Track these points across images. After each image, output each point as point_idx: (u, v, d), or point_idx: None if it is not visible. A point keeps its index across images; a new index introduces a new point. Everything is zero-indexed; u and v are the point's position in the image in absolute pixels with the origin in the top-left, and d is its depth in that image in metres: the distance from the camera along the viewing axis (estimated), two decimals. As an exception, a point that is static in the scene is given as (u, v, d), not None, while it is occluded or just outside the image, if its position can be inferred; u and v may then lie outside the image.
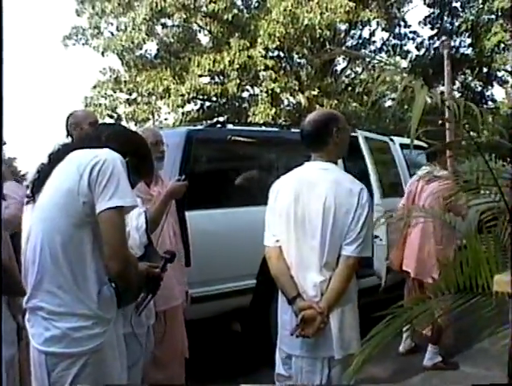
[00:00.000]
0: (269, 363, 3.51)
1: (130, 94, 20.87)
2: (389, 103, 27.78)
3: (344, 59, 22.98)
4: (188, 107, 20.67)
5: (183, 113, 20.80)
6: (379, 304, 6.41)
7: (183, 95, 18.25)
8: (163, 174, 4.48)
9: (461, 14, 23.84)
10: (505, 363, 2.86)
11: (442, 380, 5.34)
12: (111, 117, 20.29)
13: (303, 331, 3.06)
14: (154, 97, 20.33)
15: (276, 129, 7.28)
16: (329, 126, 3.26)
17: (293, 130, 6.47)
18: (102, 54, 19.18)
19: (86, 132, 4.06)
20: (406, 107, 26.62)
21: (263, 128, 7.56)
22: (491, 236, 2.90)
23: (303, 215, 3.15)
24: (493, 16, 21.92)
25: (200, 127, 6.04)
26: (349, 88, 22.56)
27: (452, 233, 5.45)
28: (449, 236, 5.48)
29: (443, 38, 22.02)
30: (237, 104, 21.10)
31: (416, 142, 7.54)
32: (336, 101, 19.26)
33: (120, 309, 2.65)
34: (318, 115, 3.39)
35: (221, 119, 19.08)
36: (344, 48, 21.13)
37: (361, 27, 21.89)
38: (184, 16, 18.49)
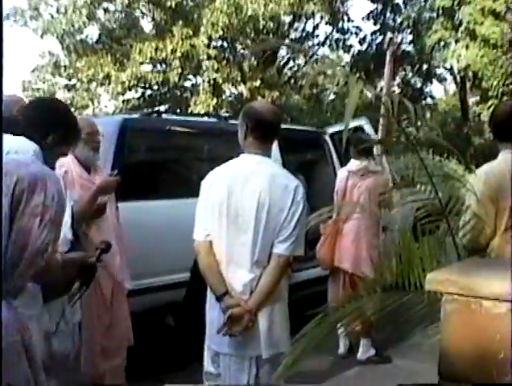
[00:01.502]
0: (201, 359, 3.43)
1: (70, 80, 20.39)
2: (331, 97, 28.07)
3: (287, 51, 23.02)
4: (129, 95, 20.28)
5: (123, 101, 20.42)
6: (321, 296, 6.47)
7: (123, 82, 17.88)
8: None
9: (403, 11, 24.19)
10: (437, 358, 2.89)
11: (375, 374, 5.38)
12: (49, 102, 19.71)
13: (230, 329, 3.02)
14: (94, 84, 19.92)
15: (215, 120, 7.15)
16: (280, 120, 3.38)
17: (232, 122, 6.40)
18: (41, 36, 18.59)
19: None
20: (346, 101, 26.96)
21: (202, 118, 7.46)
22: (425, 234, 2.88)
23: (235, 210, 3.06)
24: (434, 14, 22.30)
25: (135, 116, 5.92)
26: (292, 81, 22.59)
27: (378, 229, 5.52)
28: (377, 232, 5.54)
29: (389, 35, 22.33)
30: (178, 93, 20.85)
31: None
32: (278, 93, 19.21)
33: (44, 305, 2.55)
34: (273, 107, 3.47)
35: (162, 108, 18.94)
36: (287, 41, 21.16)
37: (304, 20, 21.86)
38: (127, 1, 18.17)
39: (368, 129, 7.35)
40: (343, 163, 6.90)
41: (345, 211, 5.21)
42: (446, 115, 30.10)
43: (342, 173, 6.09)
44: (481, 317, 1.77)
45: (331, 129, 8.01)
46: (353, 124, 7.38)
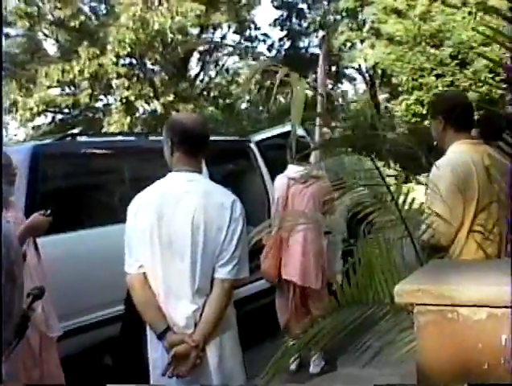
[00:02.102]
0: None
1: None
2: (244, 105, 28.12)
3: (197, 63, 22.92)
4: (39, 120, 19.73)
5: (33, 128, 19.83)
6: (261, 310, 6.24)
7: (31, 108, 17.33)
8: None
9: (308, 16, 24.51)
10: (396, 363, 2.76)
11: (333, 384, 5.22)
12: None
13: (176, 370, 2.67)
14: (0, 112, 19.19)
15: (133, 138, 6.77)
16: (208, 132, 3.01)
17: (152, 138, 6.10)
18: None
19: None
20: (261, 108, 27.11)
21: (119, 137, 7.06)
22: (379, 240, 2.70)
23: (168, 235, 2.73)
24: (338, 16, 22.68)
25: (48, 141, 5.50)
26: (205, 93, 22.46)
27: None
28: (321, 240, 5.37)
29: (322, 33, 22.60)
30: (90, 114, 20.40)
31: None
32: (192, 106, 19.03)
33: None
34: (199, 117, 3.13)
35: (75, 131, 18.38)
36: (196, 52, 21.04)
37: (212, 31, 21.79)
38: (28, 24, 17.60)
39: (302, 133, 7.05)
40: (272, 172, 6.67)
41: (289, 220, 4.85)
42: (358, 113, 30.68)
43: (281, 180, 5.64)
44: (459, 326, 1.62)
45: (256, 137, 7.61)
46: (284, 129, 7.17)
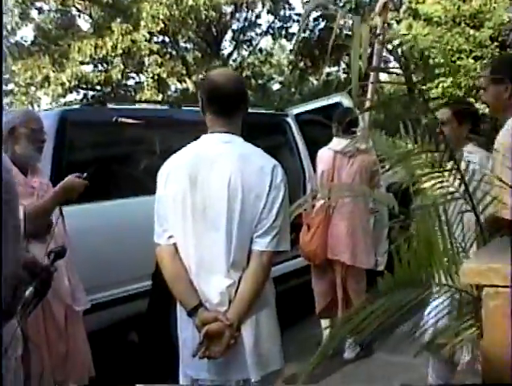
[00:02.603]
0: (172, 377, 2.88)
1: (6, 85, 19.64)
2: (276, 86, 27.86)
3: (230, 42, 22.68)
4: (71, 97, 19.63)
5: (65, 103, 19.74)
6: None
7: (63, 83, 17.24)
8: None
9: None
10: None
11: (368, 370, 5.01)
12: (-14, 109, 19.00)
13: (208, 351, 2.43)
14: (33, 87, 19.22)
15: (166, 108, 6.39)
16: (245, 89, 2.73)
17: (185, 108, 5.88)
18: (-28, 41, 17.78)
19: None
20: (293, 90, 26.82)
21: (151, 106, 6.81)
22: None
23: (202, 203, 2.49)
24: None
25: (76, 107, 5.31)
26: (237, 72, 22.22)
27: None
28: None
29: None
30: (122, 92, 20.28)
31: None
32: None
33: None
34: (235, 74, 2.81)
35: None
36: (230, 30, 20.78)
37: (246, 9, 21.48)
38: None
39: (348, 105, 6.73)
40: (311, 148, 6.40)
41: (336, 195, 4.54)
42: (392, 96, 30.19)
43: (326, 153, 5.35)
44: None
45: (295, 110, 7.25)
46: (331, 100, 6.91)
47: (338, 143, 5.17)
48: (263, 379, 2.50)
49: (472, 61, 16.41)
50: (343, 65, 25.32)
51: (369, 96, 7.31)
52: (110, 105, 5.33)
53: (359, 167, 5.13)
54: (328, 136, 5.44)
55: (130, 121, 5.01)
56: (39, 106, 20.12)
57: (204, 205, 2.48)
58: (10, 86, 19.73)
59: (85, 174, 3.44)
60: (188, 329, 2.57)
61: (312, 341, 4.88)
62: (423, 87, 23.83)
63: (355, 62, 1.95)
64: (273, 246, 2.49)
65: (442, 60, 17.15)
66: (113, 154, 5.15)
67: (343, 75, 24.90)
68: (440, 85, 17.70)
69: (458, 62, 16.72)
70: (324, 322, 5.33)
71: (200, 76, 18.01)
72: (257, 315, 2.54)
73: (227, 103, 2.58)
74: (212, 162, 2.50)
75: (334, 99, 7.00)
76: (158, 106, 7.10)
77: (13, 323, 2.21)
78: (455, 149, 3.53)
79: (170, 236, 2.56)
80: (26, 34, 19.53)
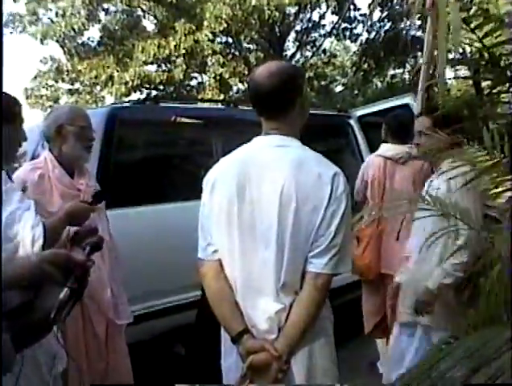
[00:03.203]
0: None
1: (73, 84, 20.05)
2: (339, 88, 27.54)
3: (293, 43, 22.49)
4: (134, 96, 19.77)
5: (129, 102, 19.92)
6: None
7: (127, 82, 17.34)
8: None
9: (411, -4, 23.59)
10: None
11: None
12: (53, 108, 19.42)
13: (253, 383, 2.13)
14: (97, 87, 19.48)
15: (222, 107, 6.14)
16: (298, 82, 2.33)
17: (243, 108, 5.68)
18: (41, 41, 18.10)
19: None
20: (356, 92, 26.43)
21: (206, 105, 6.59)
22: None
23: (250, 215, 2.21)
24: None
25: (126, 104, 5.16)
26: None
27: None
28: None
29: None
30: (184, 92, 20.34)
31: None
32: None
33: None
34: (281, 67, 2.33)
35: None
36: (293, 31, 20.59)
37: (310, 10, 21.22)
38: (126, 0, 17.63)
39: (415, 106, 6.37)
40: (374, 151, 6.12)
41: (392, 203, 4.21)
42: (459, 100, 29.50)
43: (376, 159, 5.04)
44: None
45: (358, 112, 6.92)
46: (397, 101, 6.54)
47: (387, 149, 4.90)
48: None
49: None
50: (408, 67, 24.85)
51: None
52: (163, 104, 5.17)
53: (412, 175, 4.82)
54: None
55: (183, 120, 4.87)
56: (103, 105, 20.43)
57: (253, 218, 2.21)
58: (77, 85, 20.07)
59: (91, 200, 3.13)
60: (232, 356, 2.31)
61: (364, 361, 4.65)
62: (494, 90, 23.22)
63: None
64: (331, 268, 2.18)
65: (512, 62, 16.57)
66: (164, 154, 4.99)
67: (408, 78, 24.43)
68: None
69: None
70: (379, 342, 5.04)
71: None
72: (310, 346, 2.24)
73: (270, 102, 2.28)
74: (263, 169, 2.23)
75: (402, 100, 6.58)
76: (213, 105, 6.92)
77: (48, 338, 2.05)
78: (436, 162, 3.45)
79: (214, 251, 2.33)
80: (93, 34, 19.68)
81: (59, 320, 2.00)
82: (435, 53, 4.81)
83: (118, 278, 3.44)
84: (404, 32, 24.70)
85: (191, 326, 4.65)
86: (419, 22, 23.76)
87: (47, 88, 19.88)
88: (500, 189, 2.58)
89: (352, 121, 6.66)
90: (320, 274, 2.18)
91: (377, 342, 5.07)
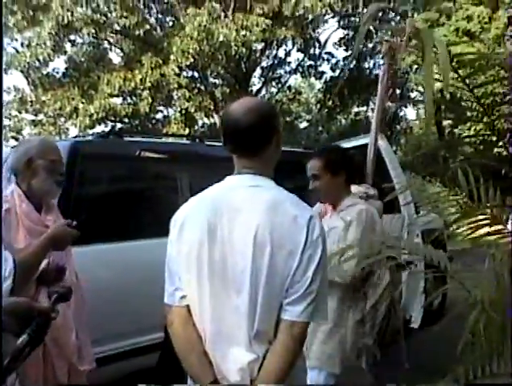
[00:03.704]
0: None
1: (36, 115, 19.84)
2: (304, 124, 27.82)
3: (259, 79, 22.70)
4: (99, 128, 19.64)
5: (92, 134, 19.76)
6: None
7: (91, 115, 17.22)
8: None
9: (375, 36, 24.04)
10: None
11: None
12: (16, 139, 19.20)
13: None
14: (62, 118, 19.33)
15: (187, 142, 6.04)
16: (275, 120, 2.23)
17: (208, 143, 5.65)
18: (5, 71, 17.93)
19: None
20: (320, 128, 26.71)
21: (170, 140, 6.51)
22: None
23: (221, 259, 2.08)
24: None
25: (89, 138, 5.05)
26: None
27: None
28: None
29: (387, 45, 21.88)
30: (150, 125, 20.32)
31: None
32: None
33: None
34: (258, 103, 2.25)
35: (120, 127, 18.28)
36: (259, 67, 20.76)
37: (276, 47, 21.49)
38: (93, 31, 17.64)
39: (384, 146, 6.27)
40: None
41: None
42: (420, 138, 29.97)
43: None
44: None
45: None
46: (363, 140, 6.52)
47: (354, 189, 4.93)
48: None
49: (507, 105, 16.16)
50: (372, 105, 25.23)
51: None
52: (126, 138, 5.07)
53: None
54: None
55: (147, 154, 4.80)
56: (66, 137, 20.25)
57: (225, 262, 2.07)
58: (40, 116, 19.90)
59: (75, 223, 3.00)
60: None
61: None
62: (455, 130, 23.67)
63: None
64: (307, 316, 2.05)
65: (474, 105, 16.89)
66: (126, 190, 4.84)
67: (372, 115, 24.80)
68: (473, 128, 17.45)
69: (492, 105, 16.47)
70: None
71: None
72: None
73: (247, 139, 2.15)
74: (236, 211, 2.09)
75: (367, 139, 6.61)
76: (179, 140, 6.85)
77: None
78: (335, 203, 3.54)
79: (182, 297, 2.16)
80: (58, 65, 19.58)
81: (16, 367, 1.93)
82: (390, 92, 4.92)
83: (83, 319, 3.30)
84: (368, 71, 25.20)
85: (153, 369, 4.49)
86: (381, 61, 24.33)
87: (10, 119, 19.66)
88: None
89: None
90: (296, 322, 2.04)
91: None
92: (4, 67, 17.74)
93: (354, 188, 4.87)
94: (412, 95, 26.28)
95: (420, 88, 24.87)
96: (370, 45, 24.13)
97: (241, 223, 2.06)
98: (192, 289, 2.12)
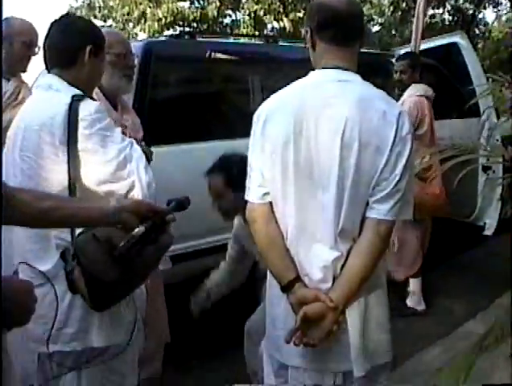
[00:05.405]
0: None
1: (105, 20, 19.70)
2: (376, 28, 26.90)
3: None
4: (167, 33, 19.47)
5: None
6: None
7: (160, 19, 17.03)
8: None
9: None
10: None
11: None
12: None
13: (305, 338, 1.94)
14: (130, 24, 19.17)
15: (262, 43, 5.76)
16: (363, 17, 2.20)
17: (284, 44, 5.47)
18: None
19: None
20: (393, 32, 25.77)
21: (244, 40, 6.31)
22: None
23: (308, 155, 1.99)
24: None
25: (163, 39, 4.93)
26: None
27: None
28: None
29: None
30: (218, 30, 19.96)
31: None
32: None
33: None
34: None
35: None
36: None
37: None
38: None
39: (465, 45, 6.00)
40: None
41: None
42: (499, 43, 28.58)
43: (419, 99, 4.91)
44: None
45: (402, 51, 6.43)
46: (445, 40, 6.29)
47: (422, 88, 4.95)
48: (368, 373, 2.04)
49: None
50: (448, 7, 24.08)
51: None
52: (200, 38, 4.90)
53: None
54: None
55: (222, 56, 4.64)
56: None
57: (311, 158, 1.99)
58: (109, 22, 19.80)
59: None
60: (280, 305, 2.12)
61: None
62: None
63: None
64: (394, 214, 2.00)
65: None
66: (201, 92, 4.74)
67: (447, 18, 23.72)
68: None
69: None
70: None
71: (299, 14, 17.44)
72: (366, 298, 2.07)
73: (346, 27, 2.05)
74: (324, 106, 1.99)
75: (450, 39, 6.28)
76: (253, 41, 6.64)
77: None
78: None
79: (265, 193, 2.11)
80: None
81: (127, 255, 1.95)
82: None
83: None
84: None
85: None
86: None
87: (79, 25, 19.69)
88: None
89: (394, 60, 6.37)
90: (383, 221, 1.99)
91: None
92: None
93: (425, 87, 4.89)
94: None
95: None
96: None
97: (329, 119, 1.97)
98: (276, 186, 2.07)
